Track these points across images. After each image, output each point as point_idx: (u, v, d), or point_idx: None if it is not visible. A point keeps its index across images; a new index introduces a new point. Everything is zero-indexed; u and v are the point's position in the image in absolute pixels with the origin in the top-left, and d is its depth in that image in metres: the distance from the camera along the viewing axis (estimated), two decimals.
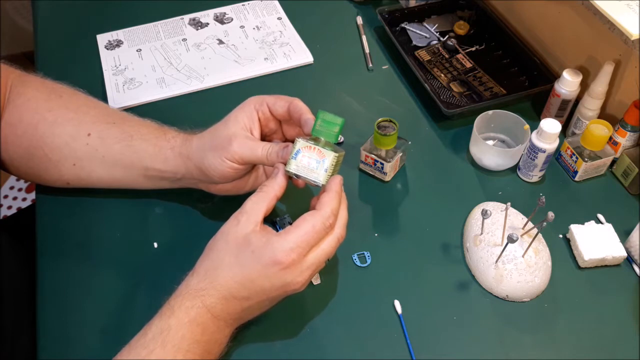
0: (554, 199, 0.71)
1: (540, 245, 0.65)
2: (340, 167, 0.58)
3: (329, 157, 0.54)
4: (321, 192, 0.55)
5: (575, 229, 0.66)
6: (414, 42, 0.93)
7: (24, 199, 1.75)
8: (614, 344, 0.59)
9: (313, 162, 0.54)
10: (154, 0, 1.02)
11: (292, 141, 0.61)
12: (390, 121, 0.69)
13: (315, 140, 0.55)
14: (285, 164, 0.55)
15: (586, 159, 0.71)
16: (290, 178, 0.56)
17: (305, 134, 0.58)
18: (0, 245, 0.71)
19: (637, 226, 0.65)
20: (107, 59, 0.91)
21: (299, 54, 0.92)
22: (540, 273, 0.63)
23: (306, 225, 0.51)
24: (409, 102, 0.85)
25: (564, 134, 0.80)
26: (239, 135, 0.58)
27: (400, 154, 0.72)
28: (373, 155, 0.71)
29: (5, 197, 1.74)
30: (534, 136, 0.70)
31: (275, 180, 0.55)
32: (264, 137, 0.63)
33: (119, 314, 0.61)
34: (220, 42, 0.94)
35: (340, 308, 0.62)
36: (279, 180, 0.55)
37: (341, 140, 0.78)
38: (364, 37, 0.95)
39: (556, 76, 0.79)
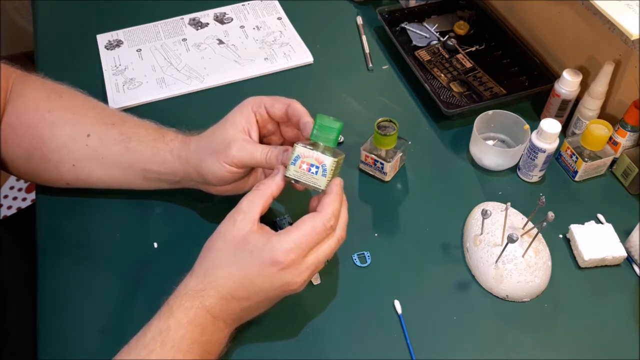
0: (554, 199, 0.71)
1: (540, 245, 0.65)
2: (340, 169, 0.58)
3: (328, 162, 0.54)
4: (322, 194, 0.55)
5: (575, 229, 0.66)
6: (414, 42, 0.93)
7: (24, 199, 1.75)
8: (614, 344, 0.59)
9: (312, 168, 0.54)
10: (154, 0, 1.02)
11: (292, 142, 0.61)
12: (390, 121, 0.69)
13: (314, 145, 0.55)
14: (285, 165, 0.55)
15: (586, 159, 0.71)
16: (290, 182, 0.56)
17: (304, 137, 0.58)
18: (2, 245, 0.71)
19: (637, 226, 0.65)
20: (107, 59, 0.91)
21: (299, 54, 0.92)
22: (540, 273, 0.63)
23: (306, 226, 0.51)
24: (409, 102, 0.85)
25: (564, 134, 0.80)
26: (237, 139, 0.58)
27: (400, 154, 0.72)
28: (373, 155, 0.71)
29: (5, 197, 1.74)
30: (534, 136, 0.70)
31: (273, 180, 0.55)
32: (262, 138, 0.63)
33: (118, 314, 0.61)
34: (220, 42, 0.94)
35: (340, 308, 0.62)
36: (277, 181, 0.55)
37: (341, 141, 0.78)
38: (364, 37, 0.95)
39: (556, 76, 0.79)
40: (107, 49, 0.93)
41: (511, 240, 0.58)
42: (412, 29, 0.95)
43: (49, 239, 0.68)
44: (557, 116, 0.78)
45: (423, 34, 0.95)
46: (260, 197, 0.54)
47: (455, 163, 0.77)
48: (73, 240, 0.68)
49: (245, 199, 0.54)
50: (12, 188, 1.77)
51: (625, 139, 0.72)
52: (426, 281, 0.64)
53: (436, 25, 0.96)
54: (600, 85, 0.72)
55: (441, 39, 0.94)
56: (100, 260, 0.66)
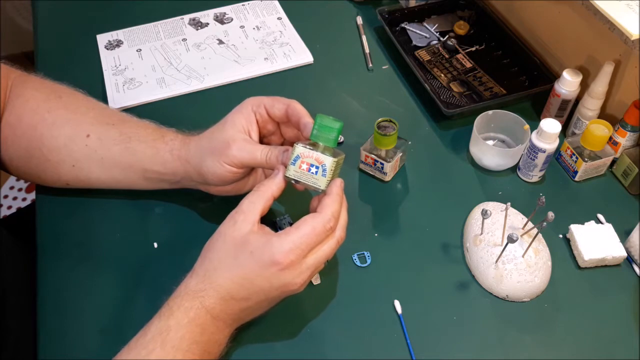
0: (554, 199, 0.71)
1: (540, 245, 0.65)
2: (340, 169, 0.58)
3: (328, 162, 0.54)
4: (322, 195, 0.55)
5: (575, 229, 0.66)
6: (414, 42, 0.93)
7: (24, 199, 1.75)
8: (614, 344, 0.59)
9: (312, 168, 0.54)
10: (154, 0, 1.02)
11: (292, 142, 0.61)
12: (390, 121, 0.69)
13: (314, 145, 0.55)
14: (285, 166, 0.55)
15: (586, 159, 0.71)
16: (291, 182, 0.56)
17: (304, 137, 0.58)
18: (2, 245, 0.71)
19: (637, 226, 0.65)
20: (107, 59, 0.91)
21: (299, 54, 0.92)
22: (540, 273, 0.63)
23: (306, 227, 0.51)
24: (409, 102, 0.85)
25: (564, 134, 0.80)
26: (237, 139, 0.58)
27: (400, 154, 0.72)
28: (373, 155, 0.71)
29: (5, 197, 1.74)
30: (534, 136, 0.70)
31: (273, 181, 0.55)
32: (262, 139, 0.63)
33: (118, 314, 0.61)
34: (220, 42, 0.94)
35: (340, 308, 0.62)
36: (278, 181, 0.55)
37: (341, 141, 0.78)
38: (364, 37, 0.95)
39: (556, 76, 0.79)
40: (107, 49, 0.93)
41: (511, 240, 0.57)
42: (412, 29, 0.95)
43: (49, 239, 0.68)
44: (557, 116, 0.78)
45: (423, 34, 0.95)
46: (261, 197, 0.54)
47: (455, 163, 0.77)
48: (73, 240, 0.68)
49: (246, 199, 0.54)
50: (12, 188, 1.77)
51: (625, 139, 0.72)
52: (426, 281, 0.64)
53: (436, 25, 0.96)
54: (600, 85, 0.72)
55: (441, 39, 0.94)
56: (100, 260, 0.66)
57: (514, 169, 0.75)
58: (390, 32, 0.91)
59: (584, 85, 0.75)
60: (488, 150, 0.74)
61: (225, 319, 0.53)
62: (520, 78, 0.87)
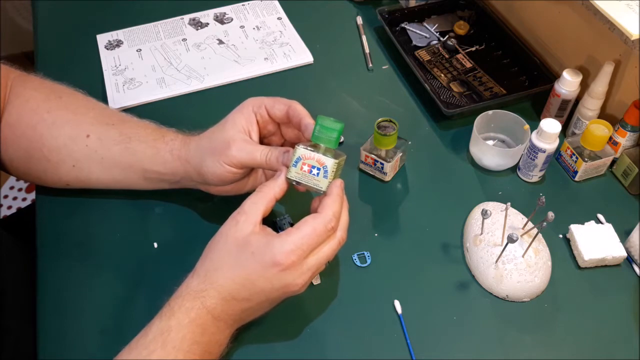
0: (554, 199, 0.71)
1: (540, 245, 0.65)
2: (342, 170, 0.58)
3: (329, 164, 0.54)
4: (323, 195, 0.55)
5: (575, 229, 0.66)
6: (414, 42, 0.93)
7: (24, 199, 1.75)
8: (614, 344, 0.59)
9: (314, 169, 0.54)
10: (154, 0, 1.02)
11: (292, 143, 0.61)
12: (390, 121, 0.69)
13: (315, 147, 0.55)
14: (287, 167, 0.55)
15: (586, 159, 0.71)
16: (292, 183, 0.56)
17: (305, 138, 0.58)
18: (2, 245, 0.71)
19: (637, 226, 0.65)
20: (107, 59, 0.91)
21: (299, 54, 0.92)
22: (540, 273, 0.63)
23: (307, 227, 0.51)
24: (409, 102, 0.85)
25: (564, 134, 0.80)
26: (237, 139, 0.58)
27: (400, 154, 0.72)
28: (373, 155, 0.71)
29: (5, 197, 1.74)
30: (534, 136, 0.70)
31: (275, 182, 0.55)
32: (263, 139, 0.63)
33: (118, 314, 0.61)
34: (220, 42, 0.94)
35: (341, 308, 0.62)
36: (280, 183, 0.55)
37: (341, 141, 0.78)
38: (364, 37, 0.95)
39: (556, 76, 0.79)
40: (107, 49, 0.93)
41: (511, 240, 0.58)
42: (412, 29, 0.95)
43: (49, 239, 0.68)
44: (557, 116, 0.78)
45: (423, 34, 0.95)
46: (263, 199, 0.54)
47: (455, 163, 0.77)
48: (73, 240, 0.68)
49: (248, 200, 0.54)
50: (12, 188, 1.77)
51: (625, 139, 0.72)
52: (426, 281, 0.64)
53: (436, 25, 0.96)
54: (600, 85, 0.72)
55: (441, 39, 0.94)
56: (100, 260, 0.66)
57: (514, 169, 0.75)
58: (390, 32, 0.91)
59: (584, 85, 0.75)
60: (488, 150, 0.74)
61: (226, 319, 0.53)
62: (520, 78, 0.87)
